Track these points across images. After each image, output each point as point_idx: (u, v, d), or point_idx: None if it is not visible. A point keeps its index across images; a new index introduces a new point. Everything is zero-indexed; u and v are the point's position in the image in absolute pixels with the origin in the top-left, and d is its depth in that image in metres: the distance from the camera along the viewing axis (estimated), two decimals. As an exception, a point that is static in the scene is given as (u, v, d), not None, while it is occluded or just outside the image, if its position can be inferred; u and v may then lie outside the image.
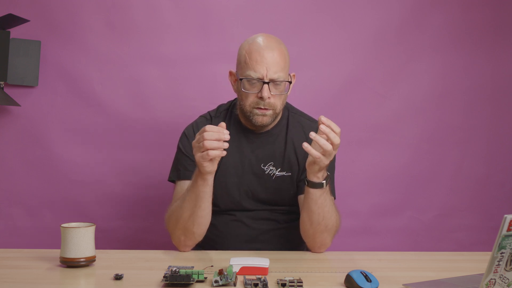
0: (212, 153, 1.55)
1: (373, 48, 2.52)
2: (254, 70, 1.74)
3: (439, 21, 2.53)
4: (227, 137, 1.56)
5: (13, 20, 2.28)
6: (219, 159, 1.61)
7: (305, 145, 1.56)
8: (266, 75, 1.73)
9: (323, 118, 1.56)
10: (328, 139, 1.55)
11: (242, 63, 1.78)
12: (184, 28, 2.45)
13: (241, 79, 1.77)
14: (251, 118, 1.78)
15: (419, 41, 2.53)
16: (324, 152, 1.57)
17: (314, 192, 1.65)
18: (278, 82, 1.75)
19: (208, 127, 1.56)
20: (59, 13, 2.41)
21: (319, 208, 1.68)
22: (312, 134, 1.55)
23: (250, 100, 1.77)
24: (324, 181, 1.64)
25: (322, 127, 1.54)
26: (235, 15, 2.47)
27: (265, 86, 1.73)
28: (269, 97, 1.74)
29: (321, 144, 1.55)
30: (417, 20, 2.52)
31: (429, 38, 2.54)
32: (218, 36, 2.46)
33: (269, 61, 1.74)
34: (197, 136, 1.59)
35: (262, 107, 1.76)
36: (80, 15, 2.41)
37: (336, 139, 1.56)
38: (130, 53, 2.44)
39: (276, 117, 1.82)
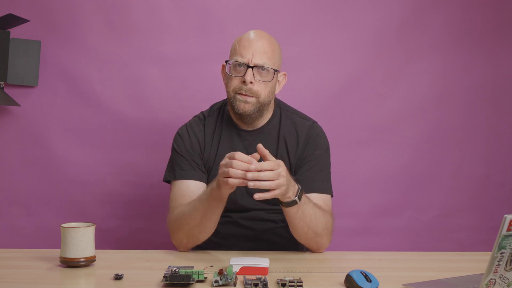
0: (232, 181, 1.50)
1: (373, 48, 2.51)
2: (241, 55, 1.76)
3: (439, 21, 2.53)
4: (253, 167, 1.48)
5: (13, 20, 2.28)
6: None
7: (256, 196, 1.49)
8: (251, 60, 1.75)
9: (251, 167, 1.48)
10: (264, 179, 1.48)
11: (232, 51, 1.81)
12: (184, 28, 2.46)
13: (227, 62, 1.79)
14: (234, 105, 1.78)
15: (419, 41, 2.53)
16: (273, 189, 1.51)
17: (289, 210, 1.62)
18: (263, 68, 1.75)
19: (239, 156, 1.50)
20: (59, 13, 2.41)
21: (299, 221, 1.66)
22: (250, 184, 1.48)
23: (234, 84, 1.77)
24: (296, 198, 1.59)
25: (248, 175, 1.47)
26: (235, 15, 2.47)
27: (249, 70, 1.74)
28: (251, 82, 1.74)
29: (264, 186, 1.49)
30: (417, 20, 2.52)
31: (429, 38, 2.53)
32: (218, 36, 2.46)
33: (257, 47, 1.76)
34: (226, 160, 1.53)
35: (244, 93, 1.75)
36: (80, 15, 2.41)
37: (269, 175, 1.48)
38: (130, 53, 2.44)
39: (261, 108, 1.79)
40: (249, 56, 1.75)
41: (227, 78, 1.81)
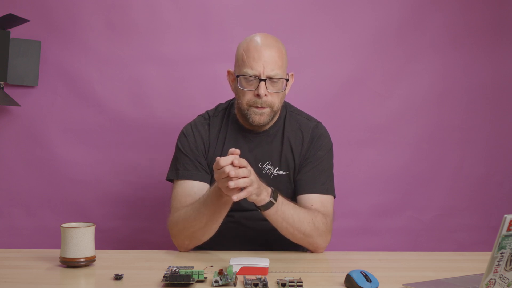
0: (237, 183, 1.52)
1: (373, 48, 2.51)
2: (251, 67, 1.74)
3: (439, 21, 2.53)
4: (236, 162, 1.52)
5: (13, 20, 2.28)
6: None
7: (234, 198, 1.53)
8: (263, 72, 1.73)
9: (226, 169, 1.51)
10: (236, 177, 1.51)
11: (239, 61, 1.78)
12: (184, 28, 2.46)
13: (238, 76, 1.77)
14: (248, 117, 1.78)
15: (419, 41, 2.53)
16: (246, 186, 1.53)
17: (269, 213, 1.64)
18: (275, 80, 1.75)
19: (224, 162, 1.51)
20: (59, 13, 2.41)
21: (282, 223, 1.68)
22: (231, 184, 1.50)
23: (247, 98, 1.76)
24: (271, 198, 1.62)
25: (231, 173, 1.50)
26: (235, 15, 2.47)
27: (262, 83, 1.73)
28: (266, 95, 1.74)
29: (242, 184, 1.52)
30: (417, 20, 2.52)
31: (429, 38, 2.53)
32: (218, 36, 2.46)
33: (266, 58, 1.74)
34: (218, 172, 1.53)
35: (259, 106, 1.75)
36: (80, 15, 2.41)
37: (244, 171, 1.52)
38: (130, 53, 2.44)
39: (273, 116, 1.81)
40: (260, 68, 1.73)
41: (238, 91, 1.79)
